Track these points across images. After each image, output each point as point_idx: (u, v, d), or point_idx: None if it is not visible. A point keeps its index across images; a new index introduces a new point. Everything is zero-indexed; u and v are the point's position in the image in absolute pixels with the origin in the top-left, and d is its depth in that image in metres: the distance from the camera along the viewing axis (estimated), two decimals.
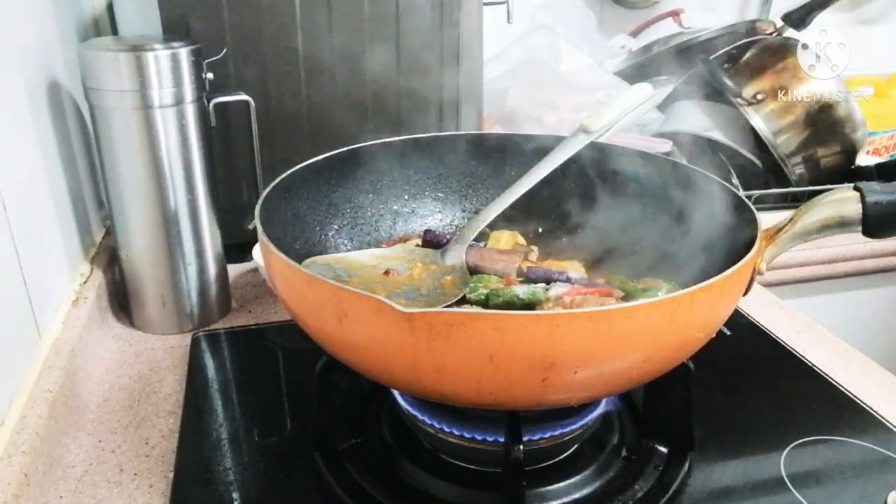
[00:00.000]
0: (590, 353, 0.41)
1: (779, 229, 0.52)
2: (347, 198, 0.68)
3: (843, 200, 0.50)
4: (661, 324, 0.41)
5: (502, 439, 0.49)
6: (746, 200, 0.54)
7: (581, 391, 0.45)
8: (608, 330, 0.40)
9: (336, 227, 0.67)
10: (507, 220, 0.72)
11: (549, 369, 0.40)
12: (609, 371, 0.43)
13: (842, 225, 0.50)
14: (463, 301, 0.57)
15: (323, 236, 0.65)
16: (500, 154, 0.72)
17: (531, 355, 0.39)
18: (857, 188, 0.50)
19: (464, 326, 0.38)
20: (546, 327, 0.39)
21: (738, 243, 0.50)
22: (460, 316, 0.39)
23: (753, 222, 0.50)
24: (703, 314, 0.44)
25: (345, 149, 0.66)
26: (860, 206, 0.49)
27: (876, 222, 0.49)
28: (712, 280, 0.42)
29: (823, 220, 0.51)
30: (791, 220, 0.51)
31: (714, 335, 0.48)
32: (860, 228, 0.50)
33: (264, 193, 0.55)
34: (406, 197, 0.72)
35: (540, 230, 0.72)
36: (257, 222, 0.50)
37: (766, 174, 1.12)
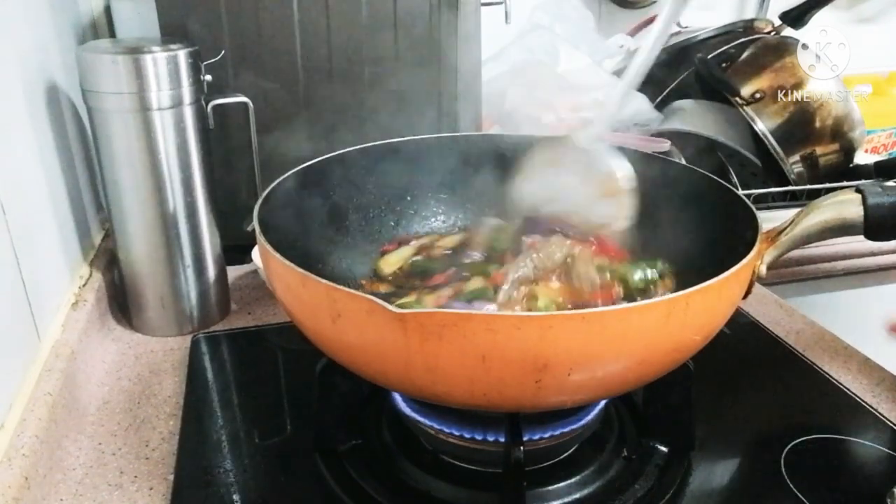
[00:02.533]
0: (583, 355, 0.40)
1: (779, 231, 0.51)
2: (347, 199, 0.68)
3: (845, 202, 0.50)
4: (655, 326, 0.41)
5: (502, 439, 0.49)
6: (747, 201, 0.54)
7: (576, 393, 0.44)
8: (601, 332, 0.39)
9: (336, 228, 0.67)
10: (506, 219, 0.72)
11: (543, 371, 0.40)
12: (604, 373, 0.42)
13: (843, 227, 0.50)
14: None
15: (323, 238, 0.65)
16: (498, 154, 0.72)
17: (524, 357, 0.39)
18: (858, 190, 0.50)
19: (456, 327, 0.38)
20: (538, 328, 0.38)
21: (738, 245, 0.50)
22: (452, 316, 0.38)
23: (754, 223, 0.50)
24: (699, 317, 0.43)
25: (343, 150, 0.66)
26: (862, 208, 0.49)
27: (877, 225, 0.49)
28: (709, 282, 0.42)
29: (824, 222, 0.50)
30: (792, 222, 0.51)
31: (712, 338, 0.47)
32: (862, 231, 0.50)
33: (263, 195, 0.55)
34: (408, 198, 0.72)
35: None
36: (256, 224, 0.50)
37: (764, 173, 1.12)
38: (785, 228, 0.51)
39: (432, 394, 0.44)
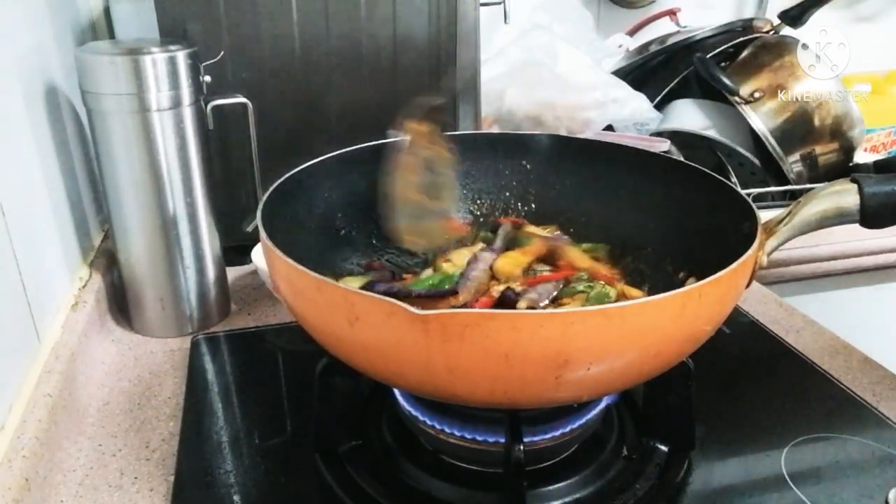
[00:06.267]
0: (603, 349, 0.41)
1: (778, 221, 0.52)
2: (344, 199, 0.67)
3: (842, 192, 0.51)
4: (671, 318, 0.42)
5: (503, 440, 0.49)
6: (744, 195, 0.55)
7: (592, 387, 0.45)
8: (621, 326, 0.40)
9: (333, 229, 0.67)
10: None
11: (564, 367, 0.40)
12: (621, 366, 0.43)
13: (840, 216, 0.51)
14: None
15: (321, 239, 0.65)
16: (496, 154, 0.72)
17: (546, 353, 0.39)
18: (854, 180, 0.51)
19: (479, 327, 0.38)
20: (561, 325, 0.39)
21: (737, 238, 0.50)
22: (475, 316, 0.39)
23: (752, 216, 0.51)
24: (710, 307, 0.45)
25: (342, 151, 0.65)
26: (858, 197, 0.50)
27: (873, 213, 0.50)
28: (719, 274, 0.43)
29: (822, 211, 0.51)
30: (790, 212, 0.52)
31: (718, 328, 0.48)
32: (858, 220, 0.51)
33: (264, 199, 0.55)
34: None
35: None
36: (260, 227, 0.50)
37: (763, 172, 1.12)
38: (783, 218, 0.52)
39: (451, 394, 0.44)
